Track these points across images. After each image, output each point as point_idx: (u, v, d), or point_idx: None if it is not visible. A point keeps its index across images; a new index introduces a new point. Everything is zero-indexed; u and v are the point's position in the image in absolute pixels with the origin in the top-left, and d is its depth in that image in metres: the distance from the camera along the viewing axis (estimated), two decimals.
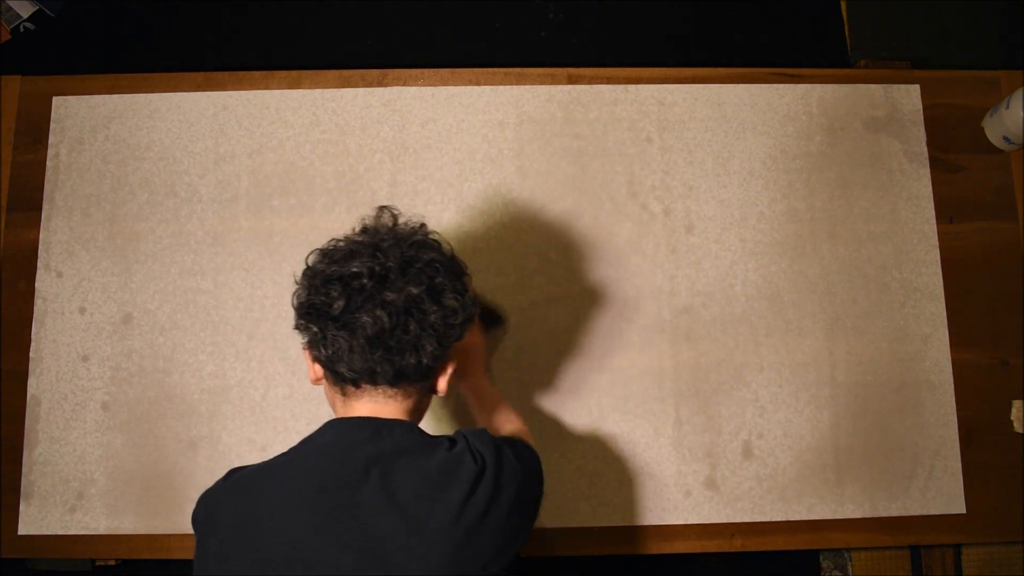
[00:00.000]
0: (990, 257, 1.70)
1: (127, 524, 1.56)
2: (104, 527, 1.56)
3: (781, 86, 1.75)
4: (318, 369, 1.12)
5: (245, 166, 1.68)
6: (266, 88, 1.71)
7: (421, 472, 1.03)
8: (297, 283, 1.12)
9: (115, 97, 1.71)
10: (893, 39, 2.12)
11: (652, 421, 1.61)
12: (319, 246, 1.13)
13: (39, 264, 1.64)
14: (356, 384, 1.08)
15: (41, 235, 1.65)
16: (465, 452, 1.07)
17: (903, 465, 1.61)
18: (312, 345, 1.09)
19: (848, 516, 1.60)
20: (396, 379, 1.08)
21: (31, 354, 1.61)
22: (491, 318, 1.58)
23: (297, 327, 1.10)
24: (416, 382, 1.11)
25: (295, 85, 1.72)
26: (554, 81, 1.74)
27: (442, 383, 1.15)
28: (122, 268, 1.64)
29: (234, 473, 1.10)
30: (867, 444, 1.62)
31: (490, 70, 1.74)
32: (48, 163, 1.68)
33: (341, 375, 1.07)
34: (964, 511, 1.60)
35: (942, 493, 1.61)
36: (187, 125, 1.69)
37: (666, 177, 1.70)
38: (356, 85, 1.72)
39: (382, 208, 1.16)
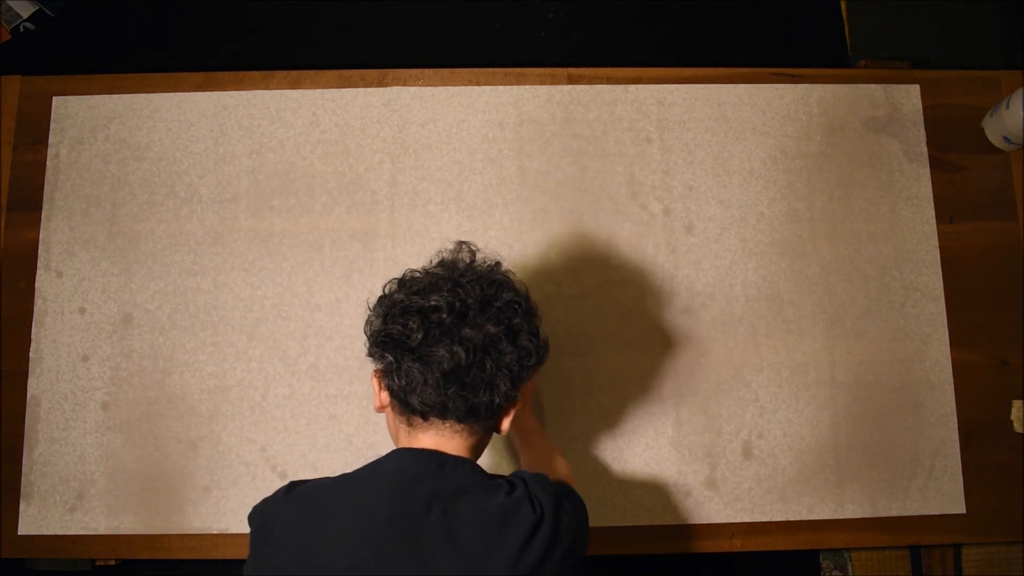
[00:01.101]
0: (990, 257, 1.70)
1: (127, 524, 1.56)
2: (104, 527, 1.56)
3: (781, 86, 1.75)
4: (385, 397, 1.12)
5: (245, 166, 1.68)
6: (266, 88, 1.71)
7: (481, 514, 1.03)
8: (371, 310, 1.13)
9: (115, 97, 1.71)
10: (893, 39, 2.11)
11: (652, 421, 1.61)
12: (397, 276, 1.15)
13: (39, 264, 1.64)
14: (425, 417, 1.09)
15: (41, 235, 1.65)
16: (524, 499, 1.06)
17: (903, 465, 1.61)
18: (385, 374, 1.09)
19: (848, 516, 1.60)
20: (466, 415, 1.08)
21: (31, 354, 1.61)
22: None
23: (371, 355, 1.11)
24: (484, 420, 1.11)
25: (295, 85, 1.72)
26: (554, 81, 1.74)
27: (505, 423, 1.15)
28: (122, 268, 1.64)
29: (296, 486, 1.09)
30: (867, 444, 1.62)
31: (490, 70, 1.74)
32: (48, 163, 1.68)
33: (411, 406, 1.08)
34: (964, 511, 1.61)
35: (942, 493, 1.61)
36: (187, 125, 1.69)
37: (666, 177, 1.70)
38: (356, 85, 1.72)
39: (461, 243, 1.17)
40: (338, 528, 1.02)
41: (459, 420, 1.09)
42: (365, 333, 1.13)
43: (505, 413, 1.14)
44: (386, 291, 1.14)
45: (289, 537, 1.03)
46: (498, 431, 1.16)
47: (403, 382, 1.07)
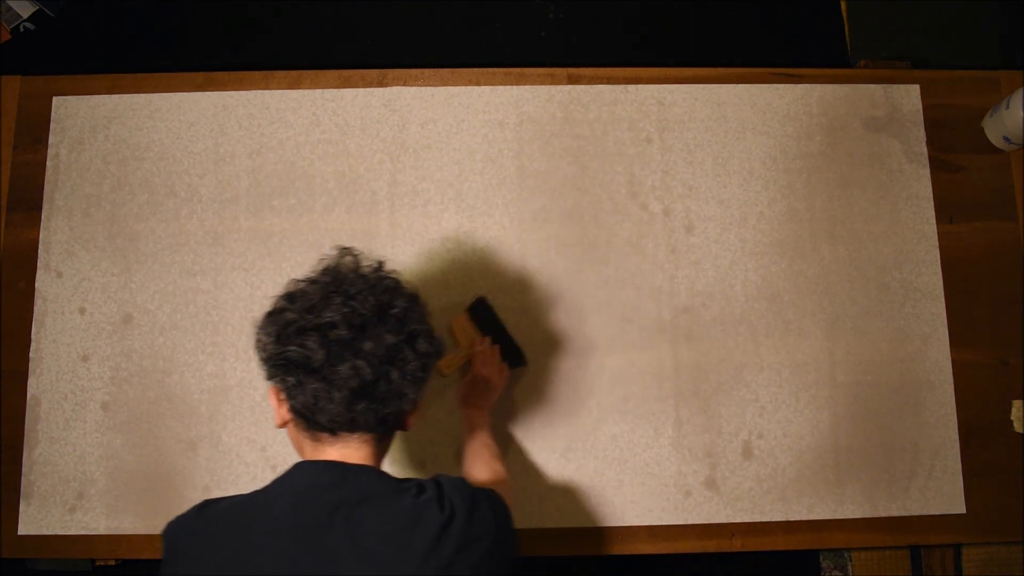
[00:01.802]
0: (990, 257, 1.70)
1: (127, 524, 1.56)
2: (104, 527, 1.56)
3: (781, 86, 1.75)
4: (285, 413, 1.10)
5: (245, 166, 1.68)
6: (266, 88, 1.71)
7: (387, 518, 1.03)
8: (258, 328, 1.09)
9: (115, 97, 1.71)
10: (893, 39, 2.12)
11: (652, 421, 1.61)
12: (280, 292, 1.11)
13: (39, 264, 1.64)
14: (334, 432, 1.07)
15: (41, 235, 1.65)
16: (433, 500, 1.06)
17: (903, 465, 1.61)
18: (287, 394, 1.07)
19: (848, 516, 1.60)
20: (376, 426, 1.07)
21: (31, 354, 1.61)
22: (516, 359, 1.59)
23: (270, 378, 1.08)
24: (392, 427, 1.11)
25: (295, 85, 1.72)
26: (554, 81, 1.74)
27: (412, 421, 1.15)
28: (122, 268, 1.64)
29: (208, 506, 1.08)
30: (867, 444, 1.62)
31: (490, 70, 1.74)
32: (48, 163, 1.68)
33: (319, 424, 1.06)
34: (964, 511, 1.60)
35: (942, 493, 1.61)
36: (187, 125, 1.69)
37: (666, 177, 1.70)
38: (356, 85, 1.72)
39: (343, 249, 1.14)
40: (247, 546, 1.01)
41: (369, 431, 1.08)
42: (260, 356, 1.09)
43: (410, 414, 1.13)
44: (275, 308, 1.10)
45: (198, 556, 1.02)
46: (404, 429, 1.15)
47: (308, 402, 1.04)
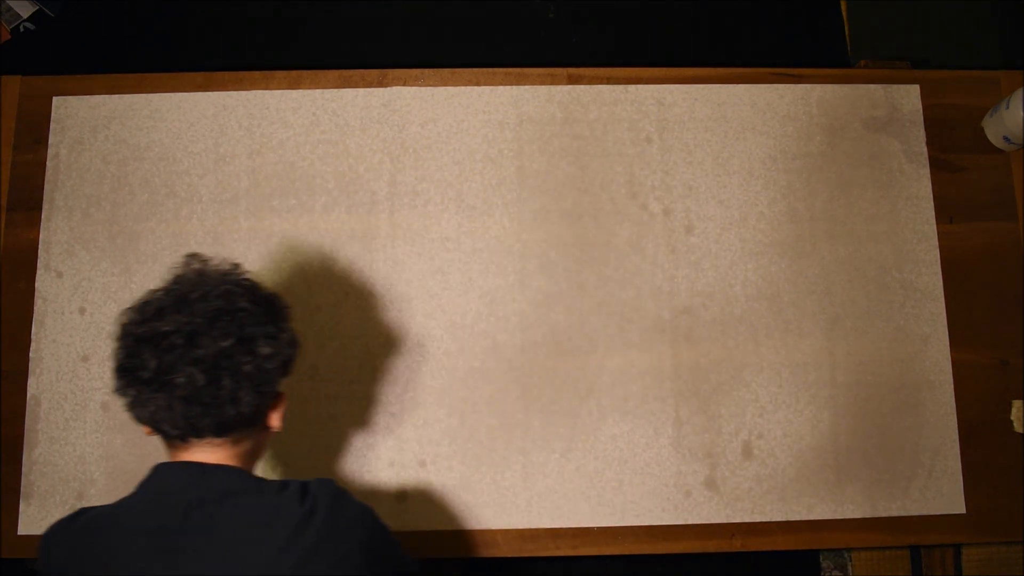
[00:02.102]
0: (990, 257, 1.70)
1: None
2: None
3: (781, 86, 1.75)
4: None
5: (245, 166, 1.68)
6: (266, 88, 1.72)
7: (243, 516, 1.04)
8: (114, 342, 1.09)
9: (115, 97, 1.71)
10: (893, 39, 2.12)
11: (652, 421, 1.61)
12: (134, 302, 1.11)
13: (39, 264, 1.64)
14: (183, 439, 1.08)
15: (41, 235, 1.65)
16: (294, 496, 1.07)
17: (903, 465, 1.61)
18: (132, 407, 1.07)
19: (848, 516, 1.60)
20: (222, 430, 1.07)
21: (31, 354, 1.61)
22: None
23: (117, 391, 1.08)
24: (244, 429, 1.10)
25: (295, 85, 1.72)
26: (554, 81, 1.74)
27: (275, 419, 1.14)
28: (122, 268, 1.64)
29: (82, 514, 1.09)
30: (867, 444, 1.62)
31: (490, 70, 1.74)
32: (48, 163, 1.68)
33: (166, 432, 1.07)
34: (964, 511, 1.60)
35: (942, 493, 1.61)
36: (187, 125, 1.69)
37: (666, 177, 1.70)
38: (356, 85, 1.72)
39: (190, 256, 1.14)
40: (107, 553, 1.02)
41: (217, 435, 1.08)
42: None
43: (272, 409, 1.13)
44: (123, 320, 1.09)
45: (65, 563, 1.04)
46: (270, 428, 1.15)
47: (151, 412, 1.05)
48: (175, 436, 1.07)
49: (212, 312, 1.05)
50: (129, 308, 1.10)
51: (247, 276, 1.14)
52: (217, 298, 1.07)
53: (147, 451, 1.58)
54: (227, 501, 1.04)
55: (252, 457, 1.15)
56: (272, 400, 1.12)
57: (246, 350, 1.06)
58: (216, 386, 1.04)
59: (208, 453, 1.08)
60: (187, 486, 1.05)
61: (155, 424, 1.06)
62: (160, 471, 1.08)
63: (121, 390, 1.07)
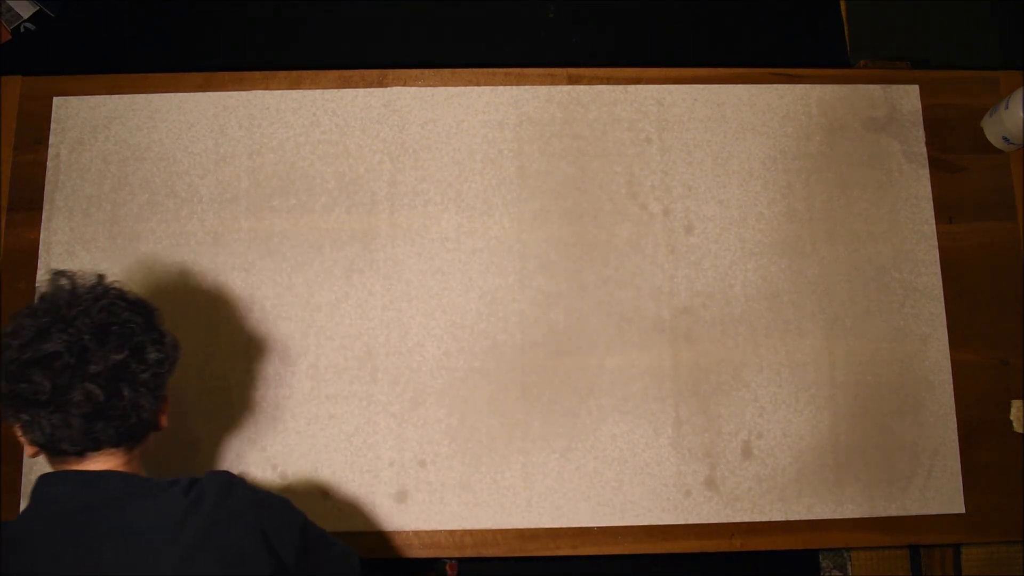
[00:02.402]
0: (990, 257, 1.70)
1: None
2: None
3: (780, 86, 1.75)
4: (30, 446, 1.10)
5: (245, 166, 1.68)
6: (266, 88, 1.72)
7: (130, 518, 1.05)
8: None
9: (115, 97, 1.71)
10: (893, 39, 2.12)
11: (652, 421, 1.61)
12: (5, 328, 1.09)
13: (39, 264, 1.64)
14: (80, 454, 1.08)
15: (41, 235, 1.65)
16: (180, 491, 1.08)
17: (902, 465, 1.62)
18: (26, 430, 1.07)
19: (847, 516, 1.60)
20: (120, 440, 1.09)
21: None
22: None
23: (6, 418, 1.08)
24: (142, 434, 1.13)
25: (295, 85, 1.72)
26: (554, 81, 1.74)
27: (164, 420, 1.17)
28: (122, 268, 1.64)
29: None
30: (866, 444, 1.62)
31: (490, 70, 1.74)
32: (48, 163, 1.68)
33: (64, 451, 1.07)
34: (963, 511, 1.60)
35: (941, 493, 1.61)
36: (187, 126, 1.69)
37: (665, 177, 1.70)
38: (356, 85, 1.72)
39: (57, 273, 1.13)
40: (16, 567, 1.02)
41: (114, 446, 1.09)
42: None
43: (160, 413, 1.16)
44: (2, 346, 1.08)
45: None
46: (158, 429, 1.17)
47: (46, 434, 1.05)
48: (71, 452, 1.08)
49: (98, 327, 1.06)
50: (3, 333, 1.08)
51: (116, 285, 1.15)
52: (99, 312, 1.07)
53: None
54: (113, 504, 1.05)
55: (140, 459, 1.16)
56: (162, 403, 1.15)
57: (139, 359, 1.08)
58: (117, 398, 1.05)
59: (101, 463, 1.10)
60: (73, 495, 1.06)
61: (53, 443, 1.06)
62: (46, 481, 1.09)
63: (12, 416, 1.07)
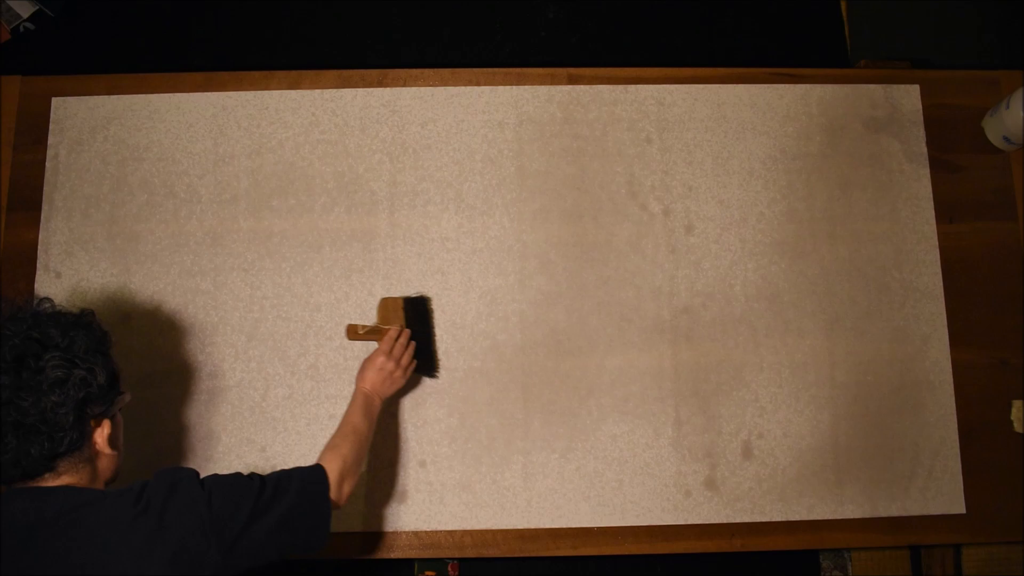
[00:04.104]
0: (990, 257, 1.70)
1: None
2: None
3: (781, 86, 1.75)
4: None
5: (244, 167, 1.68)
6: (266, 88, 1.71)
7: (80, 530, 1.05)
8: None
9: (114, 98, 1.71)
10: (893, 39, 2.12)
11: (652, 421, 1.61)
12: None
13: (38, 265, 1.64)
14: (10, 483, 1.10)
15: (40, 236, 1.65)
16: (130, 498, 1.08)
17: (903, 465, 1.61)
18: None
19: (848, 516, 1.60)
20: (42, 468, 1.08)
21: None
22: (427, 367, 1.59)
23: None
24: (69, 458, 1.10)
25: (295, 85, 1.72)
26: (554, 81, 1.74)
27: (100, 442, 1.15)
28: (121, 269, 1.64)
29: None
30: (867, 444, 1.62)
31: (490, 70, 1.74)
32: (47, 164, 1.68)
33: (11, 476, 1.09)
34: (964, 511, 1.60)
35: (942, 493, 1.61)
36: (186, 126, 1.69)
37: (665, 177, 1.70)
38: (356, 85, 1.72)
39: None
40: None
41: (41, 474, 1.09)
42: None
43: (94, 434, 1.14)
44: None
45: None
46: (97, 452, 1.15)
47: None
48: (4, 481, 1.09)
49: (15, 359, 1.06)
50: None
51: (45, 307, 1.14)
52: (11, 350, 1.06)
53: (145, 452, 1.58)
54: (67, 514, 1.05)
55: (100, 480, 1.16)
56: (90, 428, 1.13)
57: (33, 383, 1.06)
58: (31, 419, 1.05)
59: (56, 483, 1.10)
60: (30, 508, 1.06)
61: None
62: (3, 498, 1.09)
63: None
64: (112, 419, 1.16)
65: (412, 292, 1.62)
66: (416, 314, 1.59)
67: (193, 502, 1.10)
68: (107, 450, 1.15)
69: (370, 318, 1.61)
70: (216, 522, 1.10)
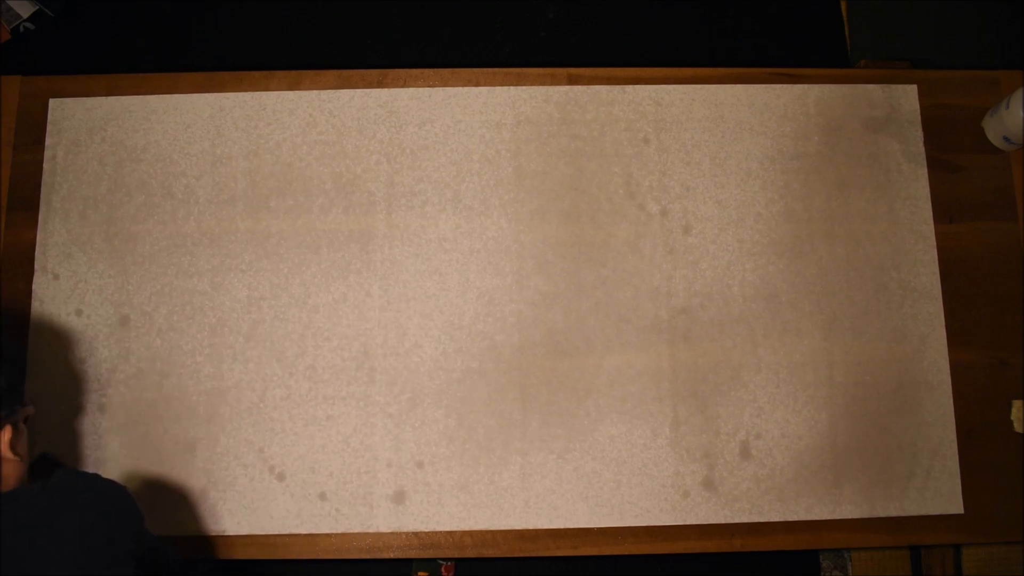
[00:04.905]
0: (989, 257, 1.69)
1: None
2: None
3: (779, 86, 1.74)
4: None
5: (242, 167, 1.68)
6: (265, 89, 1.72)
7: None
8: None
9: (112, 99, 1.71)
10: (893, 39, 2.11)
11: (650, 422, 1.61)
12: None
13: (36, 266, 1.64)
14: None
15: (38, 237, 1.65)
16: (43, 495, 1.13)
17: (901, 465, 1.61)
18: None
19: (846, 516, 1.59)
20: None
21: (28, 356, 1.61)
22: None
23: None
24: None
25: (294, 85, 1.72)
26: (554, 81, 1.74)
27: (6, 447, 1.18)
28: (119, 270, 1.64)
29: None
30: (865, 444, 1.62)
31: (489, 70, 1.74)
32: (45, 165, 1.68)
33: None
34: (962, 511, 1.60)
35: (940, 493, 1.61)
36: (184, 127, 1.69)
37: (663, 178, 1.70)
38: (356, 86, 1.72)
39: None
40: None
41: None
42: None
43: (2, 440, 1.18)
44: None
45: None
46: (5, 456, 1.19)
47: None
48: None
49: None
50: None
51: None
52: None
53: (144, 453, 1.58)
54: None
55: (14, 477, 1.19)
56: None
57: None
58: None
59: None
60: None
61: None
62: None
63: None
64: (15, 426, 1.19)
65: None
66: None
67: (73, 502, 1.15)
68: (9, 455, 1.18)
69: (371, 322, 1.61)
70: (107, 523, 1.16)
